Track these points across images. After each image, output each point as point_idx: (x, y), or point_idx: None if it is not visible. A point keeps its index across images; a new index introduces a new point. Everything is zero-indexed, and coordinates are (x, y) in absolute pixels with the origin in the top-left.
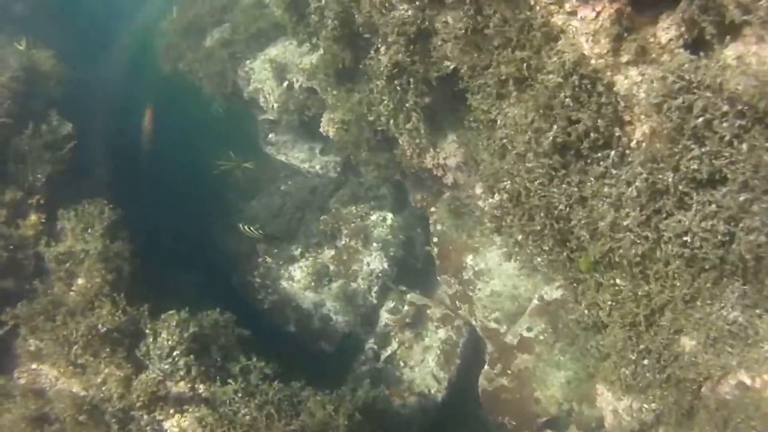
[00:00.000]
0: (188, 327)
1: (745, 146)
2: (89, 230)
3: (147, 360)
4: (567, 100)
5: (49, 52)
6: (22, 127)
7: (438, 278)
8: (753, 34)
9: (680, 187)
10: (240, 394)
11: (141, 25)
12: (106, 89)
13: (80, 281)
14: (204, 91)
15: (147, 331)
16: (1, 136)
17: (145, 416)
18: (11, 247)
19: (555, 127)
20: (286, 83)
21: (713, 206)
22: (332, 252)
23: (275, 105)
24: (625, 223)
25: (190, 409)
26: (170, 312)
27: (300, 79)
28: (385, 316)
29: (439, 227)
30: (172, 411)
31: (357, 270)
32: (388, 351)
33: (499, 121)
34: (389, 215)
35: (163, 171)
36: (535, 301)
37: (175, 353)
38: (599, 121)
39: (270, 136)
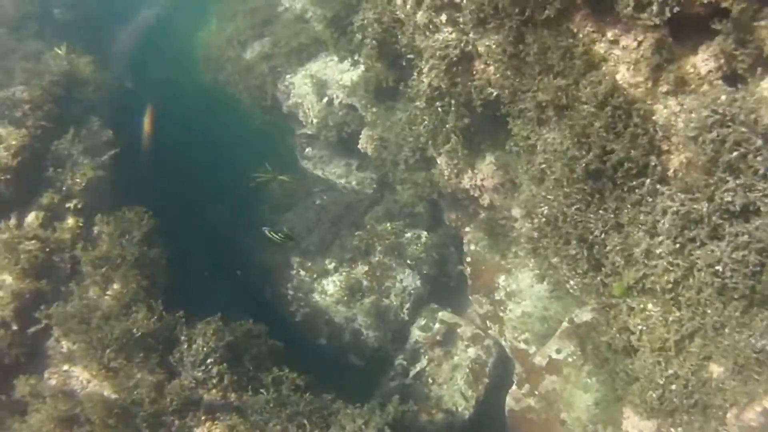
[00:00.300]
0: (223, 336)
1: None
2: (127, 236)
3: (180, 366)
4: (601, 129)
5: (87, 58)
6: (61, 131)
7: (470, 297)
8: None
9: (714, 218)
10: (271, 404)
11: (179, 33)
12: (144, 97)
13: (116, 286)
14: (243, 104)
15: (182, 337)
16: (40, 140)
17: (177, 422)
18: (47, 249)
19: (589, 155)
20: (326, 99)
21: (745, 237)
22: (366, 268)
23: (314, 120)
24: (658, 251)
25: (222, 417)
26: (207, 320)
27: (340, 96)
28: (416, 333)
29: (472, 247)
30: (203, 418)
31: (390, 286)
32: (417, 367)
33: (538, 147)
34: (424, 233)
35: (198, 181)
36: (565, 324)
37: (208, 361)
38: (632, 151)
39: (307, 150)
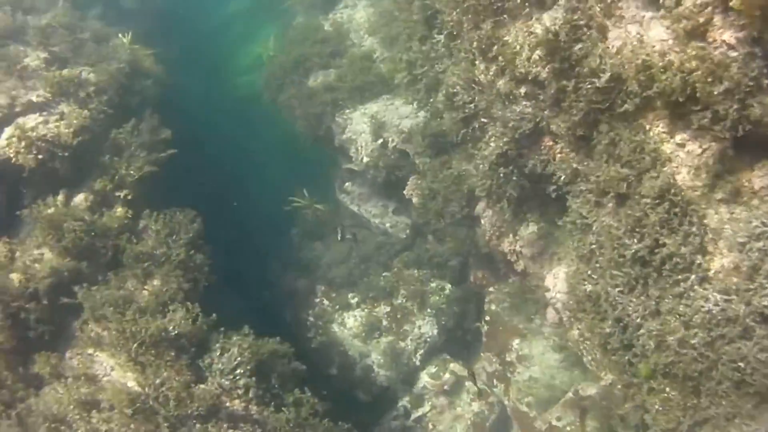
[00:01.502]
0: (257, 352)
1: None
2: (174, 236)
3: (208, 372)
4: (656, 223)
5: (149, 51)
6: (119, 120)
7: (481, 354)
8: None
9: (747, 320)
10: (291, 424)
11: (234, 41)
12: (198, 101)
13: (156, 282)
14: (294, 126)
15: (216, 345)
16: (100, 125)
17: (198, 425)
18: (93, 233)
19: (641, 244)
20: (381, 140)
21: None
22: (387, 308)
23: (365, 158)
24: (692, 342)
25: (243, 427)
26: (244, 333)
27: (396, 140)
28: (425, 379)
29: (493, 307)
30: (225, 426)
31: (408, 330)
32: (420, 412)
33: (594, 227)
34: (448, 286)
35: (236, 195)
36: (570, 395)
37: (237, 371)
38: (683, 248)
39: (347, 184)
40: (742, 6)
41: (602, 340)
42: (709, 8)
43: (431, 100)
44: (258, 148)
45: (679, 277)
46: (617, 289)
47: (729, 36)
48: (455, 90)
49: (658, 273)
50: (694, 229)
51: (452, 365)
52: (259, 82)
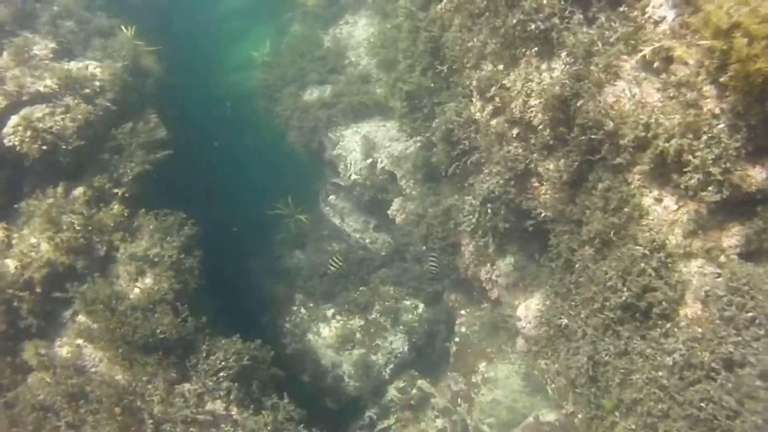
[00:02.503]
0: (242, 358)
1: None
2: (168, 238)
3: (193, 371)
4: (648, 271)
5: (150, 48)
6: (120, 117)
7: (448, 373)
8: None
9: (712, 365)
10: (269, 428)
11: (234, 41)
12: (191, 99)
13: (148, 281)
14: (285, 137)
15: (203, 346)
16: (102, 121)
17: (181, 423)
18: (89, 228)
19: (627, 291)
20: (370, 160)
21: (734, 385)
22: (362, 322)
23: (353, 176)
24: (659, 382)
25: (222, 426)
26: (233, 338)
27: (385, 161)
28: (392, 393)
29: (464, 329)
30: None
31: (380, 345)
32: (385, 424)
33: (577, 266)
34: (422, 305)
35: (222, 198)
36: (530, 419)
37: (221, 374)
38: (658, 296)
39: (331, 197)
40: (731, 81)
41: (571, 373)
42: (701, 78)
43: (425, 131)
44: (246, 150)
45: (650, 322)
46: (592, 328)
47: (717, 106)
48: (452, 126)
49: (632, 317)
50: (669, 280)
51: (420, 381)
52: (249, 82)
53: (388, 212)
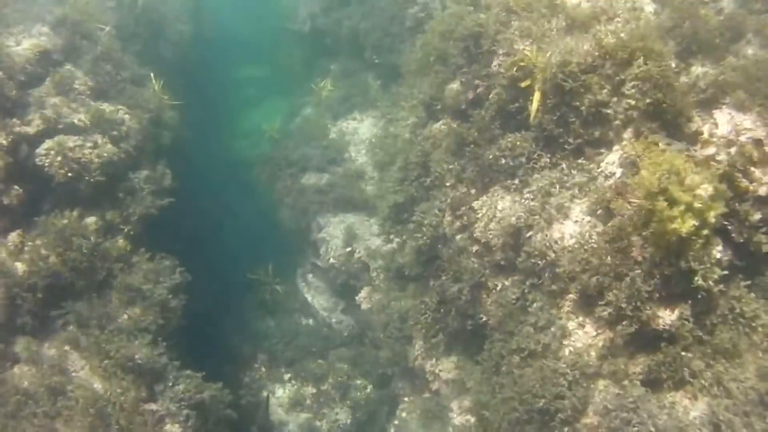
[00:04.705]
0: (201, 391)
1: None
2: (160, 278)
3: (160, 396)
4: (564, 384)
5: (172, 103)
6: (136, 162)
7: None
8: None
9: None
10: None
11: (246, 108)
12: (204, 162)
13: (137, 311)
14: (278, 211)
15: (171, 376)
16: (123, 165)
17: None
18: (95, 254)
19: (546, 397)
20: (349, 249)
21: None
22: (314, 391)
23: (332, 260)
24: None
25: None
26: (194, 374)
27: (362, 252)
28: None
29: (404, 414)
30: None
31: (326, 413)
32: None
33: (504, 368)
34: (370, 386)
35: (207, 258)
36: None
37: (182, 402)
38: (565, 405)
39: (309, 275)
40: (651, 236)
41: None
42: (630, 230)
43: (403, 236)
44: (242, 224)
45: (557, 425)
46: (506, 422)
47: (640, 255)
48: (424, 239)
49: (542, 421)
50: (577, 393)
51: None
52: (254, 151)
53: (356, 298)
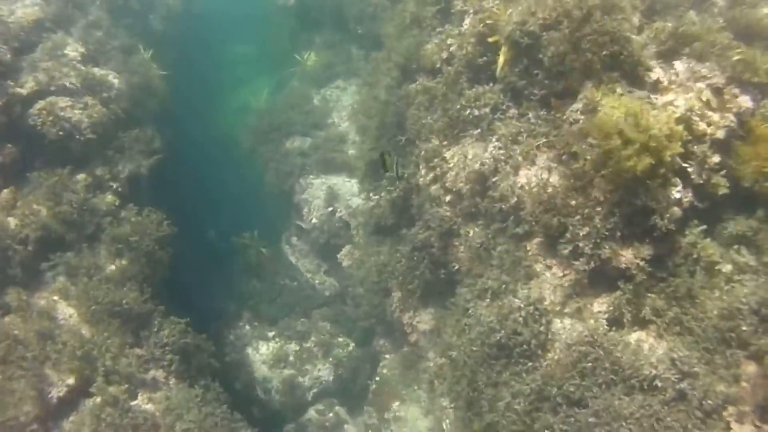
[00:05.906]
0: (185, 336)
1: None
2: (147, 230)
3: (145, 341)
4: (520, 320)
5: (161, 73)
6: (125, 124)
7: (365, 407)
8: (655, 330)
9: (558, 399)
10: (198, 399)
11: (235, 86)
12: (190, 127)
13: (124, 262)
14: (263, 176)
15: (155, 322)
16: (112, 126)
17: (125, 382)
18: (84, 208)
19: (503, 332)
20: (330, 209)
21: (572, 418)
22: (297, 348)
23: (314, 220)
24: (515, 408)
25: (160, 390)
26: (177, 320)
27: (343, 212)
28: (311, 413)
29: (385, 371)
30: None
31: (308, 370)
32: None
33: (470, 311)
34: (352, 344)
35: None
36: None
37: (167, 348)
38: (533, 340)
39: (293, 238)
40: (608, 175)
41: (454, 397)
42: (591, 171)
43: (381, 192)
44: (225, 183)
45: (520, 360)
46: (473, 359)
47: (602, 195)
48: (397, 191)
49: (506, 354)
50: (542, 329)
51: (337, 408)
52: (241, 125)
53: (338, 256)
